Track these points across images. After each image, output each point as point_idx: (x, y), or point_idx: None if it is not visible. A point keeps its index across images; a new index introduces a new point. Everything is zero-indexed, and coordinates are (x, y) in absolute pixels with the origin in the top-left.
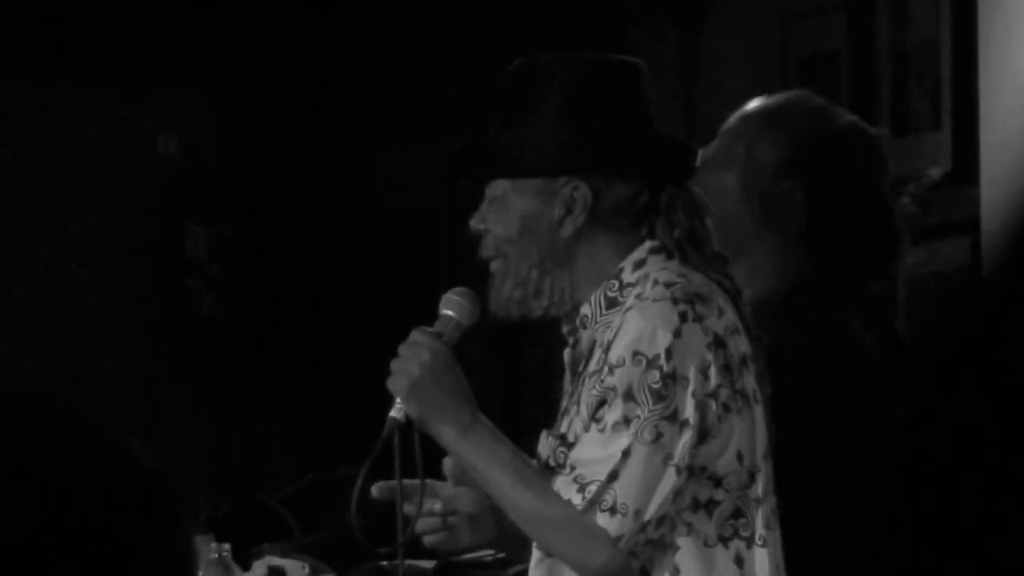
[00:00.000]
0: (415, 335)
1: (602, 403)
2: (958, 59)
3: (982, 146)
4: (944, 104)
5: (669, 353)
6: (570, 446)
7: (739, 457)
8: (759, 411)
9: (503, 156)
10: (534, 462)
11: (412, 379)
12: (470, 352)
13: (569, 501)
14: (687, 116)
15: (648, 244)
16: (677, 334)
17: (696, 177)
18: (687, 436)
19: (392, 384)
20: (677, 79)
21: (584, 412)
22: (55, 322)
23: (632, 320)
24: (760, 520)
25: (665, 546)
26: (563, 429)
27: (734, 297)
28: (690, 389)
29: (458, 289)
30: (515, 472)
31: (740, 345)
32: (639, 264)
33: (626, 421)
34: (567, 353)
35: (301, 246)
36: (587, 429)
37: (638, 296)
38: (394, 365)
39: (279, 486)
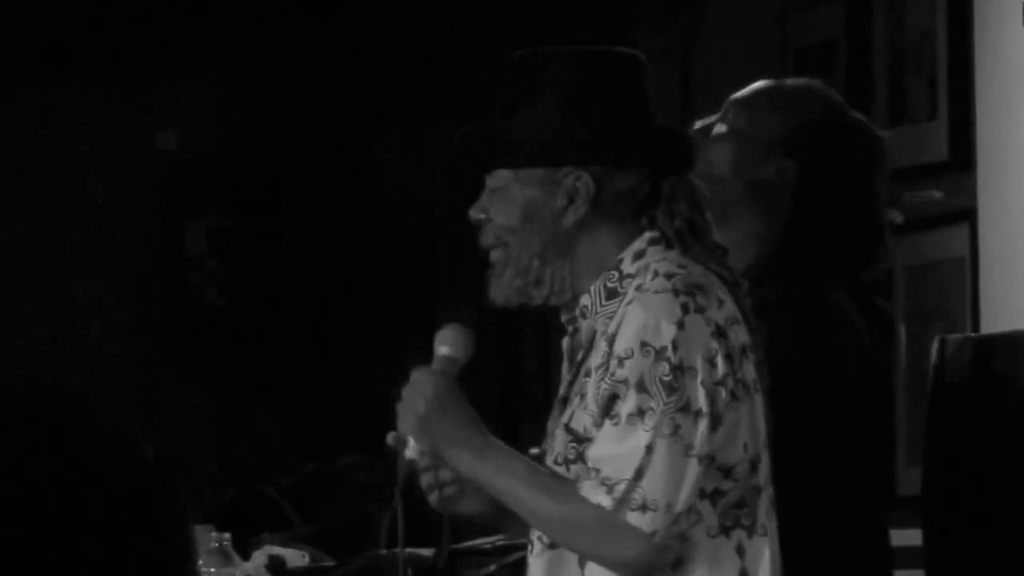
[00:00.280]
0: (415, 375)
1: (613, 397)
2: (954, 49)
3: (978, 135)
4: (941, 94)
5: (675, 345)
6: (580, 440)
7: (744, 447)
8: (759, 400)
9: (506, 146)
10: (548, 458)
11: (419, 415)
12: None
13: (598, 504)
14: (684, 106)
15: (648, 235)
16: (681, 326)
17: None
18: (703, 425)
19: (401, 424)
20: (674, 70)
21: (592, 406)
22: (56, 315)
23: (635, 312)
24: (762, 509)
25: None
26: (566, 420)
27: (733, 288)
28: (699, 379)
29: (451, 325)
30: (535, 483)
31: (740, 335)
32: (639, 255)
33: (640, 413)
34: (565, 341)
35: (300, 238)
36: (599, 426)
37: (638, 287)
38: (400, 407)
39: (279, 476)
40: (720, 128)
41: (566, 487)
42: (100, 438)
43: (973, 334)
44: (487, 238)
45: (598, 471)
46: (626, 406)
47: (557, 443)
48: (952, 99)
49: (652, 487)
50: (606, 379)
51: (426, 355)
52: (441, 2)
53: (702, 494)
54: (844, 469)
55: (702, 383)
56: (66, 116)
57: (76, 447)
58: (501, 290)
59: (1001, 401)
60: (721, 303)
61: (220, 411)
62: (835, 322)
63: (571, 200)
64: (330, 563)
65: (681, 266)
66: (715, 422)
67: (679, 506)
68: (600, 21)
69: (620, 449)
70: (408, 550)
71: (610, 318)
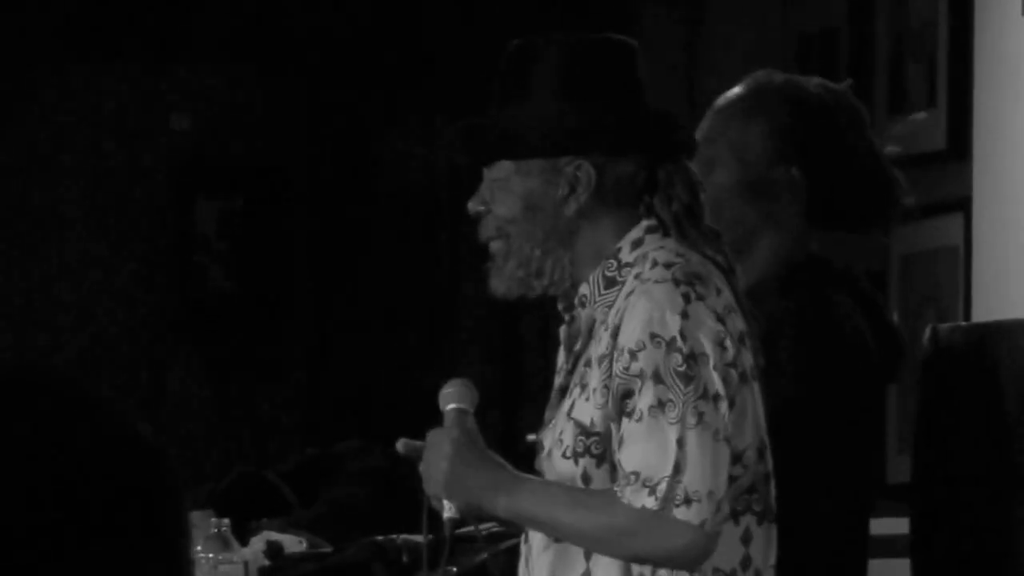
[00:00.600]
0: (430, 437)
1: (628, 393)
2: (954, 39)
3: (976, 124)
4: (940, 82)
5: (683, 334)
6: (589, 434)
7: (751, 432)
8: (757, 388)
9: (506, 137)
10: (555, 450)
11: (446, 475)
12: (466, 325)
13: (643, 507)
14: (688, 93)
15: (644, 223)
16: (685, 315)
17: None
18: (723, 407)
19: (429, 488)
20: (678, 57)
21: (599, 399)
22: (62, 295)
23: (639, 304)
24: (772, 496)
25: None
26: (568, 410)
27: (728, 274)
28: (711, 363)
29: (452, 381)
30: (575, 502)
31: (737, 323)
32: (636, 244)
33: (660, 405)
34: (563, 330)
35: (308, 223)
36: (615, 422)
37: (637, 276)
38: (423, 471)
39: (280, 461)
40: (704, 162)
41: (605, 498)
42: (101, 419)
43: (965, 322)
44: (487, 230)
45: (637, 475)
46: (644, 400)
47: (566, 436)
48: (951, 88)
49: (691, 479)
50: (618, 374)
51: (427, 348)
52: None
53: None
54: (843, 468)
55: (714, 367)
56: (81, 97)
57: (76, 426)
58: (503, 281)
59: (993, 390)
60: (719, 291)
61: (222, 395)
62: (835, 323)
63: (572, 189)
64: (327, 549)
65: (679, 255)
66: (731, 402)
67: (720, 492)
68: (606, 8)
69: (651, 447)
70: (403, 537)
71: (609, 307)
